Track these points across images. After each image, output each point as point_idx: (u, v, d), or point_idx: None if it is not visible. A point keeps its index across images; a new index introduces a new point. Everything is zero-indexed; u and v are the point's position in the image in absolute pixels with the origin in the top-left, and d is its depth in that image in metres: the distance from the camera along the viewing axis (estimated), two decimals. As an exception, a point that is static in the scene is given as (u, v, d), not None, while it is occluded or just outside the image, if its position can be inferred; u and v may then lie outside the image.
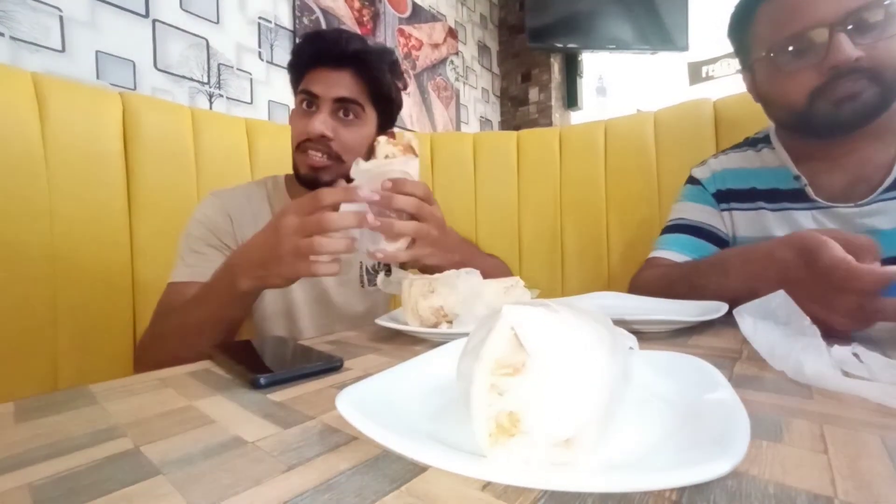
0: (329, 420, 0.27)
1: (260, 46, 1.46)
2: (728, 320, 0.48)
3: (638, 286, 0.78)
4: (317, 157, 0.68)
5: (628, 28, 2.35)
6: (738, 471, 0.19)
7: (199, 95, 1.30)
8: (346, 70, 0.69)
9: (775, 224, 0.72)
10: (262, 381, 0.33)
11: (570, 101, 2.65)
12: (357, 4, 1.81)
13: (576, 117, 2.71)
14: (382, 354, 0.44)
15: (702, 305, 0.57)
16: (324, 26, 1.66)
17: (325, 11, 1.67)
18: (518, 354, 0.19)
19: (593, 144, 1.19)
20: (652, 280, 0.76)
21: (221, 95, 1.36)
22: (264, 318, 0.73)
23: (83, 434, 0.26)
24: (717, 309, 0.51)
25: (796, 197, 0.70)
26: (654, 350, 0.31)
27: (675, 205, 0.86)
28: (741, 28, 0.72)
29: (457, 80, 2.40)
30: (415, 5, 2.11)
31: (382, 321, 0.52)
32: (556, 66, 2.60)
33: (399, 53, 2.02)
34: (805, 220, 0.69)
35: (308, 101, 0.70)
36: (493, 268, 0.80)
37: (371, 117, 0.73)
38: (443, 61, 2.29)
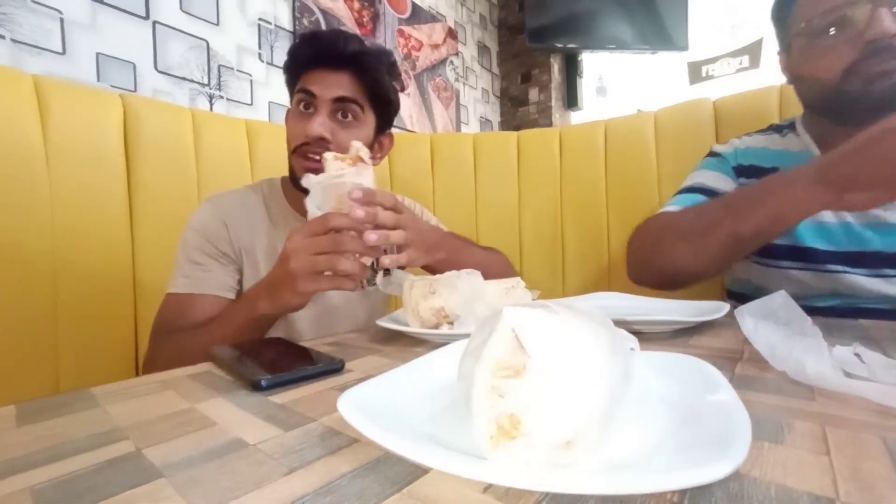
0: (330, 422, 0.27)
1: (260, 48, 1.47)
2: (728, 321, 0.48)
3: (639, 230, 0.76)
4: (315, 160, 0.67)
5: (628, 28, 2.35)
6: (739, 472, 0.19)
7: (200, 97, 1.30)
8: (344, 71, 0.68)
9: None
10: (264, 383, 0.33)
11: (570, 101, 2.65)
12: (357, 5, 1.81)
13: (576, 117, 2.70)
14: (383, 356, 0.44)
15: (702, 306, 0.57)
16: (324, 27, 1.66)
17: (324, 12, 1.67)
18: (519, 356, 0.19)
19: (593, 144, 1.19)
20: (655, 223, 0.74)
21: (222, 97, 1.36)
22: None
23: (84, 437, 0.26)
24: (717, 309, 0.51)
25: None
26: (655, 351, 0.31)
27: (689, 174, 0.84)
28: (784, 6, 0.71)
29: (457, 80, 2.40)
30: (414, 6, 2.11)
31: (383, 322, 0.52)
32: (555, 66, 2.60)
33: (399, 54, 2.02)
34: None
35: (305, 101, 0.69)
36: (488, 259, 0.79)
37: (369, 119, 0.72)
38: (443, 62, 2.29)
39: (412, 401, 0.27)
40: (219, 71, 1.35)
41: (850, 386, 0.28)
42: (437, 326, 0.50)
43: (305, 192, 0.58)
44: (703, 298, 0.64)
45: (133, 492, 0.20)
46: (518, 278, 0.57)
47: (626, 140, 1.16)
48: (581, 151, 1.21)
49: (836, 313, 0.64)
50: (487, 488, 0.19)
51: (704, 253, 0.64)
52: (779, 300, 0.38)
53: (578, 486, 0.17)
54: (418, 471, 0.20)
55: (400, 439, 0.20)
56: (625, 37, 2.36)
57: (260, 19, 1.47)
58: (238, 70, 1.40)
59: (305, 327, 0.74)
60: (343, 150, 0.69)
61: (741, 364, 0.36)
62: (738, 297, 0.84)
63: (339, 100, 0.68)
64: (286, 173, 0.80)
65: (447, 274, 0.53)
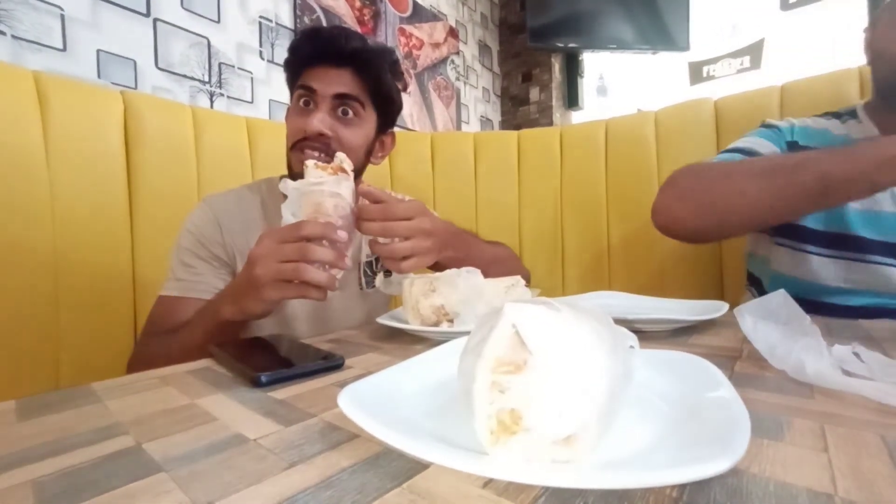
0: (330, 418, 0.27)
1: (261, 45, 1.46)
2: (728, 320, 0.48)
3: (675, 176, 0.73)
4: (314, 156, 0.66)
5: (629, 28, 2.35)
6: (738, 469, 0.19)
7: (200, 94, 1.30)
8: (345, 68, 0.68)
9: None
10: (264, 378, 0.33)
11: (571, 100, 2.65)
12: (358, 4, 1.81)
13: (576, 117, 2.70)
14: (383, 353, 0.44)
15: (702, 305, 0.57)
16: (325, 25, 1.66)
17: (325, 11, 1.67)
18: (520, 352, 0.19)
19: (594, 144, 1.19)
20: (696, 166, 0.70)
21: (222, 94, 1.36)
22: (260, 325, 0.72)
23: (85, 431, 0.26)
24: (717, 308, 0.52)
25: None
26: (655, 349, 0.31)
27: (740, 138, 0.79)
28: None
29: (457, 79, 2.40)
30: (415, 4, 2.11)
31: (383, 320, 0.52)
32: (556, 65, 2.59)
33: (400, 53, 2.02)
34: (884, 193, 0.65)
35: (306, 98, 0.68)
36: (495, 257, 0.79)
37: (371, 117, 0.72)
38: (443, 61, 2.29)
39: (412, 396, 0.27)
40: (219, 68, 1.35)
41: (849, 384, 0.28)
42: (437, 324, 0.50)
43: None
44: (703, 297, 0.65)
45: (134, 486, 0.20)
46: (518, 276, 0.57)
47: (627, 140, 1.16)
48: (581, 151, 1.21)
49: (869, 314, 0.62)
50: (487, 483, 0.19)
51: (786, 190, 0.59)
52: (778, 299, 0.38)
53: (578, 481, 0.17)
54: (418, 466, 0.20)
55: (400, 435, 0.20)
56: (626, 37, 2.36)
57: (261, 17, 1.47)
58: (239, 68, 1.40)
59: (304, 328, 0.74)
60: (344, 147, 0.69)
61: (740, 362, 0.36)
62: (758, 282, 0.83)
63: (340, 96, 0.68)
64: (286, 172, 0.80)
65: (447, 272, 0.53)
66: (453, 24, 2.37)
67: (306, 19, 1.60)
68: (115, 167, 0.83)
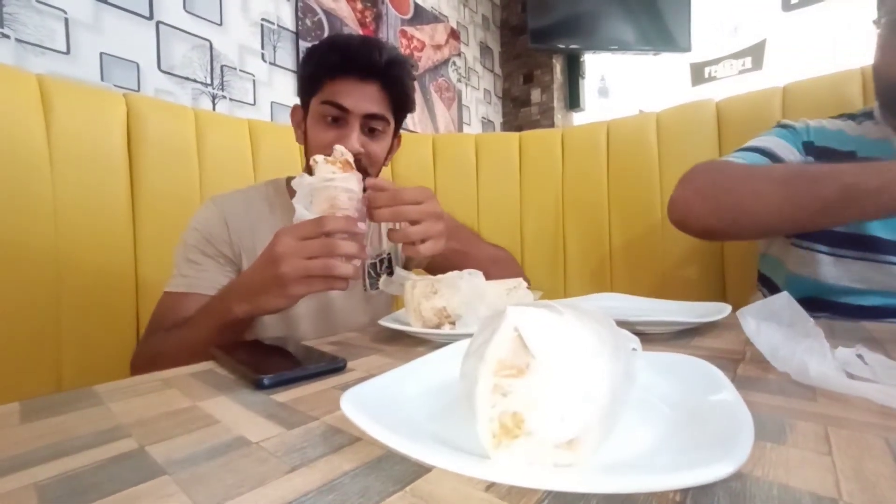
0: (332, 421, 0.27)
1: (263, 48, 1.47)
2: (731, 322, 0.48)
3: (695, 170, 0.72)
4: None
5: (630, 29, 2.35)
6: (741, 472, 0.19)
7: (203, 97, 1.31)
8: (373, 82, 0.67)
9: None
10: (266, 381, 0.33)
11: (573, 102, 2.65)
12: (359, 6, 1.81)
13: (578, 118, 2.70)
14: (385, 355, 0.44)
15: (704, 307, 0.56)
16: (326, 28, 1.66)
17: (327, 13, 1.68)
18: (522, 355, 0.19)
19: (595, 145, 1.19)
20: (719, 162, 0.70)
21: (224, 97, 1.36)
22: (264, 326, 0.72)
23: (88, 434, 0.26)
24: (719, 310, 0.51)
25: None
26: (657, 351, 0.31)
27: (756, 138, 0.79)
28: None
29: (459, 81, 2.40)
30: (417, 6, 2.11)
31: (385, 322, 0.52)
32: (558, 67, 2.59)
33: (401, 54, 2.03)
34: None
35: (335, 114, 0.67)
36: (495, 257, 0.79)
37: (391, 128, 0.73)
38: (445, 62, 2.29)
39: (414, 399, 0.27)
40: (221, 71, 1.35)
41: (852, 387, 0.28)
42: (438, 326, 0.50)
43: None
44: (705, 299, 0.64)
45: (136, 489, 0.20)
46: (520, 279, 0.57)
47: (629, 141, 1.16)
48: (583, 152, 1.21)
49: (884, 314, 0.62)
50: (490, 487, 0.19)
51: (806, 199, 0.59)
52: (781, 301, 0.38)
53: (581, 484, 0.17)
54: (421, 469, 0.20)
55: (402, 438, 0.20)
56: (627, 38, 2.36)
57: (263, 19, 1.47)
58: (241, 70, 1.41)
59: (308, 329, 0.74)
60: (372, 160, 0.70)
61: (743, 365, 0.36)
62: (769, 283, 0.83)
63: (370, 116, 0.68)
64: (289, 174, 0.80)
65: (449, 274, 0.53)
66: (454, 26, 2.37)
67: (308, 21, 1.60)
68: (118, 169, 0.83)
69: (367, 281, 0.81)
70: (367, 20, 1.85)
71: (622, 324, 0.37)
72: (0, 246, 0.69)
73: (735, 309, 0.42)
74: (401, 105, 0.72)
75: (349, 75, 0.67)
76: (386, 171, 1.24)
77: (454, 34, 2.36)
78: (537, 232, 1.25)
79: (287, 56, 1.52)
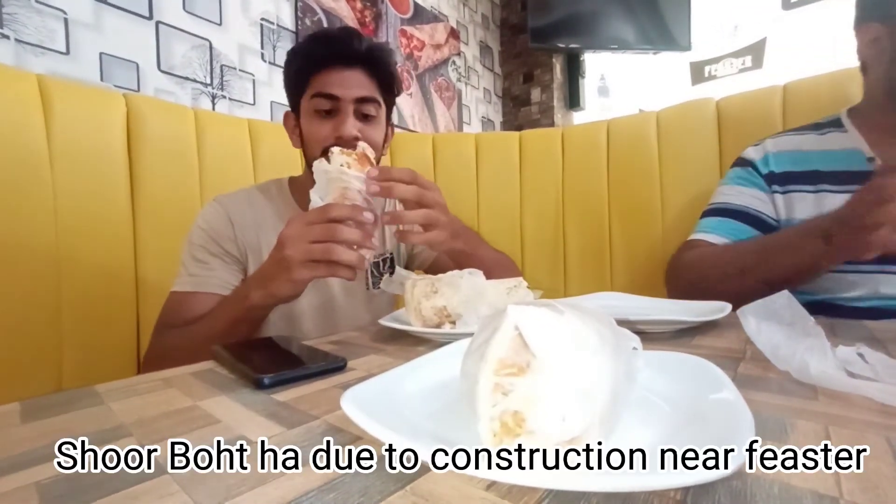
0: (333, 420, 0.27)
1: (262, 48, 1.47)
2: (731, 321, 0.48)
3: (678, 267, 0.77)
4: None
5: (630, 28, 2.35)
6: (742, 471, 0.19)
7: (202, 96, 1.31)
8: (357, 68, 0.68)
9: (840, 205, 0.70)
10: (266, 381, 0.33)
11: (573, 101, 2.65)
12: (359, 5, 1.81)
13: (578, 117, 2.70)
14: (386, 355, 0.44)
15: (705, 306, 0.56)
16: (326, 27, 1.66)
17: (327, 12, 1.68)
18: (523, 354, 0.19)
19: (596, 144, 1.19)
20: (695, 261, 0.75)
21: (224, 96, 1.36)
22: (267, 323, 0.72)
23: (89, 433, 0.26)
24: (720, 309, 0.51)
25: (867, 179, 0.66)
26: (658, 350, 0.31)
27: (718, 187, 0.84)
28: None
29: (459, 80, 2.40)
30: (416, 6, 2.11)
31: (385, 321, 0.52)
32: (558, 66, 2.59)
33: (401, 54, 2.02)
34: None
35: (327, 104, 0.68)
36: (497, 260, 0.79)
37: (383, 112, 0.73)
38: (445, 62, 2.29)
39: (415, 398, 0.27)
40: (221, 71, 1.35)
41: (853, 386, 0.28)
42: (439, 326, 0.50)
43: None
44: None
45: (137, 488, 0.20)
46: (520, 278, 0.57)
47: (629, 140, 1.16)
48: (583, 151, 1.21)
49: (884, 314, 0.63)
50: (490, 486, 0.19)
51: (743, 294, 0.64)
52: (782, 300, 0.38)
53: (582, 483, 0.17)
54: (421, 468, 0.20)
55: (403, 437, 0.20)
56: (627, 37, 2.36)
57: (262, 19, 1.47)
58: (240, 70, 1.41)
59: (311, 327, 0.74)
60: (370, 146, 0.70)
61: (744, 364, 0.36)
62: None
63: (361, 100, 0.68)
64: (290, 173, 0.80)
65: (449, 273, 0.53)
66: (454, 25, 2.37)
67: (308, 21, 1.60)
68: (118, 169, 0.83)
69: (370, 280, 0.81)
70: (367, 20, 1.85)
71: (623, 323, 0.37)
72: (0, 246, 0.69)
73: (735, 308, 0.41)
74: (388, 87, 0.73)
75: (334, 65, 0.68)
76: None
77: (454, 33, 2.36)
78: (537, 231, 1.24)
79: (286, 56, 1.52)
